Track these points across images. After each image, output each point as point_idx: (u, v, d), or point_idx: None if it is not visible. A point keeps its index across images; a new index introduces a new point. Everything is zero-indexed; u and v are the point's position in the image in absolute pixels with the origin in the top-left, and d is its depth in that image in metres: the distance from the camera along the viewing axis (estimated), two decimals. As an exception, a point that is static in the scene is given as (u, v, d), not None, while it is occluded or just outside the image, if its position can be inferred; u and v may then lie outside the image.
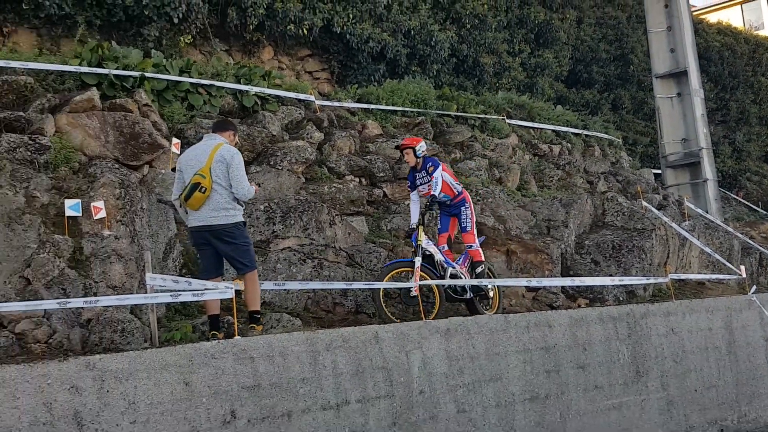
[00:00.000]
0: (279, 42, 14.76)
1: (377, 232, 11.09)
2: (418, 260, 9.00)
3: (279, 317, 7.99)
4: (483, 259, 9.72)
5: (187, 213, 7.56)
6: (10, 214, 7.79)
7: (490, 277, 9.85)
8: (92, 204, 8.26)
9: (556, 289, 11.26)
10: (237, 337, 6.65)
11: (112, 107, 9.70)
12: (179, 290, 6.87)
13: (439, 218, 10.07)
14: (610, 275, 11.68)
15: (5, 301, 7.02)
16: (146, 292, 7.05)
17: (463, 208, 9.81)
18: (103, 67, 10.02)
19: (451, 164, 13.04)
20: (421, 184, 9.68)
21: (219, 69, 11.63)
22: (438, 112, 14.07)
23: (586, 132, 17.28)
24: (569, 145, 16.44)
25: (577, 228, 13.04)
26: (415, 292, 8.79)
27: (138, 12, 11.87)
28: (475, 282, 9.45)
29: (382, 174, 11.96)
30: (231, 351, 6.32)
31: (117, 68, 10.08)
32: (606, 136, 17.96)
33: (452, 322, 8.27)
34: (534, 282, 10.63)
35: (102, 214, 8.26)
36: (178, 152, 9.87)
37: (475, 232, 9.81)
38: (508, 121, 15.34)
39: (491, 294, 9.86)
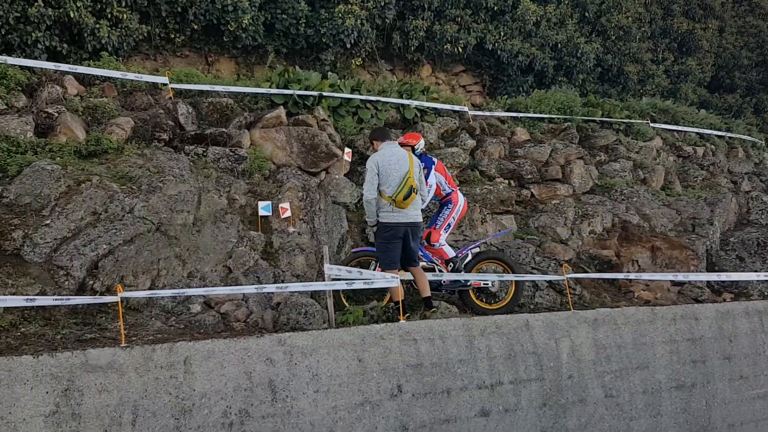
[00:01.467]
0: (436, 60, 14.86)
1: (525, 230, 10.91)
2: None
3: (437, 305, 8.06)
4: (450, 256, 8.48)
5: (392, 211, 7.49)
6: (216, 214, 8.35)
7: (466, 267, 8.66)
8: (280, 205, 8.71)
9: (701, 284, 10.58)
10: (402, 321, 6.76)
11: (295, 123, 10.15)
12: (353, 279, 7.07)
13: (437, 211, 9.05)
14: (755, 271, 10.82)
15: (213, 286, 7.56)
16: (324, 281, 7.32)
17: (444, 208, 8.70)
18: (289, 89, 10.51)
19: (596, 166, 12.58)
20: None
21: (384, 86, 11.87)
22: (583, 118, 13.61)
23: (729, 134, 16.07)
24: (713, 146, 15.35)
25: (721, 225, 12.19)
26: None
27: (317, 40, 12.37)
28: (454, 276, 8.33)
29: (529, 176, 11.73)
30: (397, 333, 6.44)
31: (300, 89, 10.54)
32: (749, 138, 16.61)
33: (600, 312, 7.99)
34: (679, 276, 9.98)
35: (288, 213, 8.68)
36: (350, 160, 10.19)
37: (442, 232, 8.54)
38: (652, 124, 14.58)
39: (493, 289, 8.58)
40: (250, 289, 6.88)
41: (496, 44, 14.81)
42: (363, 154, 10.56)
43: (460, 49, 14.42)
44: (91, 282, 6.87)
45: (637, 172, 13.08)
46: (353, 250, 8.69)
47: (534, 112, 13.33)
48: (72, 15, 9.51)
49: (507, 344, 7.20)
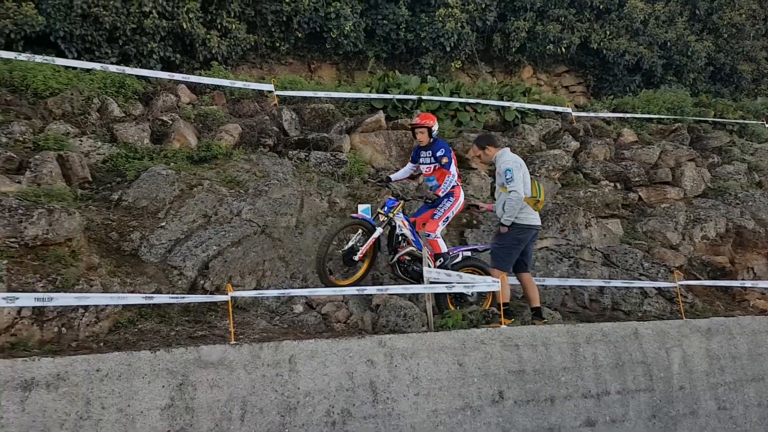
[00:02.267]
0: (538, 61, 14.62)
1: (632, 234, 10.52)
2: (378, 231, 7.59)
3: (541, 309, 7.90)
4: (443, 250, 7.86)
5: (530, 213, 7.37)
6: (317, 216, 8.53)
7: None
8: (378, 209, 8.78)
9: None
10: (503, 326, 6.68)
11: (394, 126, 10.24)
12: (452, 282, 7.05)
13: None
14: None
15: (314, 287, 7.73)
16: (423, 284, 7.33)
17: (446, 200, 8.04)
18: (388, 93, 10.63)
19: (709, 168, 11.99)
20: (423, 162, 8.23)
21: (484, 89, 11.79)
22: (695, 118, 13.02)
23: None
24: (840, 147, 14.33)
25: None
26: (358, 258, 7.57)
27: (417, 44, 12.44)
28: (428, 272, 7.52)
29: (637, 179, 11.33)
30: (498, 338, 6.36)
31: (399, 93, 10.64)
32: None
33: (713, 321, 7.62)
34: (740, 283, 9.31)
35: (394, 217, 8.75)
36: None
37: (441, 224, 7.94)
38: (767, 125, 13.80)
39: (471, 299, 7.99)
40: (351, 290, 6.99)
41: (602, 43, 14.43)
42: (461, 158, 10.52)
43: (563, 50, 14.12)
44: (201, 281, 7.17)
45: (752, 175, 12.38)
46: (352, 215, 7.94)
47: (641, 113, 12.89)
48: (184, 26, 9.99)
49: (614, 353, 6.97)
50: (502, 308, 6.96)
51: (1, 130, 7.80)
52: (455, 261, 7.89)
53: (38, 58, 8.84)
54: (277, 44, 11.55)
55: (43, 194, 6.88)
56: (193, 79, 9.94)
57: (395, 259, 7.75)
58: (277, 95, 10.22)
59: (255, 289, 7.37)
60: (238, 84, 10.12)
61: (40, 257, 6.37)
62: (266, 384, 5.30)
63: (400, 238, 7.78)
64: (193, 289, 7.02)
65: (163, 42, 10.04)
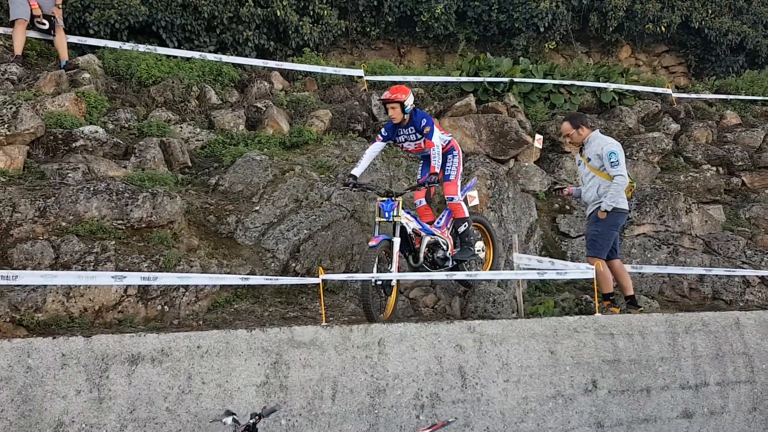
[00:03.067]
0: (636, 41, 14.05)
1: (735, 221, 10.04)
2: (396, 242, 6.63)
3: (636, 298, 7.68)
4: (466, 215, 7.27)
5: (625, 198, 7.09)
6: (405, 201, 8.51)
7: (479, 237, 7.51)
8: (468, 193, 8.72)
9: None
10: (597, 314, 6.53)
11: (485, 110, 10.12)
12: (545, 269, 6.93)
13: (420, 168, 7.77)
14: None
15: (403, 272, 7.78)
16: (513, 270, 7.25)
17: (450, 156, 7.40)
18: (479, 76, 10.50)
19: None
20: (406, 140, 7.36)
21: (579, 70, 11.46)
22: (807, 99, 12.26)
23: None
24: None
25: None
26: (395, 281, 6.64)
27: (509, 25, 12.21)
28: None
29: (740, 163, 10.78)
30: (592, 326, 6.22)
31: (490, 76, 10.50)
32: None
33: (824, 313, 7.18)
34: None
35: (476, 201, 8.65)
36: (541, 147, 9.97)
37: (460, 182, 7.37)
38: None
39: (481, 254, 7.52)
40: (439, 275, 6.99)
41: (703, 22, 13.73)
42: (554, 141, 10.30)
43: (663, 29, 13.52)
44: (293, 264, 7.36)
45: None
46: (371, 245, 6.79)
47: (746, 94, 12.24)
48: (278, 13, 10.19)
49: (714, 343, 6.69)
50: (596, 297, 6.78)
51: (108, 117, 8.23)
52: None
53: (142, 48, 9.24)
54: (368, 29, 11.61)
55: (147, 179, 7.22)
56: (286, 65, 10.14)
57: (422, 259, 6.95)
58: (367, 80, 10.29)
59: (344, 272, 7.50)
60: (329, 70, 10.26)
61: (144, 239, 6.70)
62: (356, 365, 5.40)
63: (413, 235, 6.98)
64: (285, 271, 7.22)
65: (258, 30, 10.28)
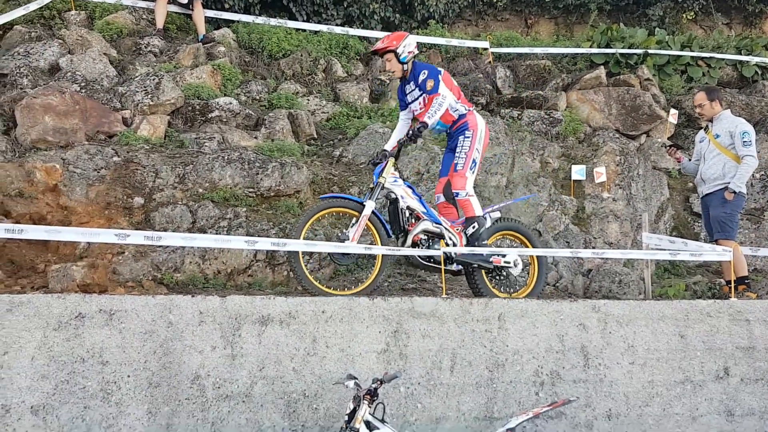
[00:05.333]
0: (784, 9, 13.01)
1: None
2: (369, 205, 5.71)
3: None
4: (476, 213, 6.04)
5: None
6: (528, 177, 8.43)
7: (521, 261, 6.24)
8: (595, 169, 8.47)
9: None
10: (733, 299, 6.18)
11: (616, 83, 9.74)
12: (677, 249, 6.62)
13: (442, 160, 6.52)
14: None
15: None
16: (642, 249, 6.98)
17: (461, 137, 6.06)
18: (611, 48, 10.10)
19: None
20: (412, 101, 6.18)
21: (719, 41, 10.78)
22: None
23: None
24: None
25: None
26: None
27: (646, -6, 11.65)
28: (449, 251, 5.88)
29: None
30: (726, 311, 5.90)
31: (623, 47, 10.08)
32: None
33: None
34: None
35: (603, 178, 8.42)
36: (675, 122, 9.50)
37: (468, 174, 6.03)
38: None
39: (515, 270, 6.16)
40: (564, 252, 6.85)
41: None
42: (690, 116, 9.77)
43: (816, -4, 12.44)
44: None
45: None
46: (322, 196, 6.20)
47: None
48: (405, -15, 10.22)
49: None
50: (733, 282, 6.41)
51: (241, 89, 8.57)
52: (486, 226, 6.16)
53: (273, 22, 9.54)
54: (495, 0, 11.41)
55: (276, 149, 7.49)
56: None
57: (409, 242, 5.92)
58: (492, 52, 10.14)
59: (465, 245, 7.47)
60: (454, 42, 10.18)
61: (272, 207, 6.98)
62: (475, 338, 5.40)
63: (407, 213, 5.99)
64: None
65: (384, 2, 10.34)
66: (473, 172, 6.08)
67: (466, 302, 5.52)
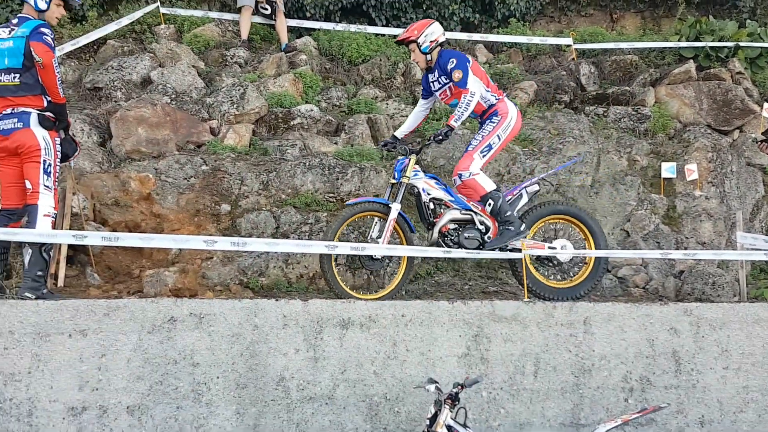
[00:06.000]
0: None
1: None
2: (395, 208, 5.67)
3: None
4: (487, 189, 5.73)
5: None
6: (615, 176, 8.21)
7: (521, 220, 5.85)
8: (686, 167, 8.18)
9: None
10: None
11: (706, 77, 9.36)
12: (769, 249, 6.30)
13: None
14: None
15: (610, 249, 7.49)
16: (737, 250, 6.68)
17: (487, 123, 5.86)
18: (700, 41, 9.71)
19: None
20: (438, 89, 6.00)
21: (819, 31, 10.17)
22: None
23: None
24: None
25: None
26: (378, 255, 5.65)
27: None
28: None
29: None
30: (830, 315, 5.58)
31: (712, 40, 9.67)
32: None
33: None
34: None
35: (694, 175, 8.12)
36: (769, 116, 9.08)
37: (477, 156, 5.77)
38: None
39: (563, 257, 5.94)
40: (653, 254, 6.64)
41: None
42: (789, 112, 9.26)
43: None
44: (495, 238, 7.35)
45: None
46: (352, 202, 6.04)
47: None
48: (484, -15, 10.11)
49: None
50: None
51: (321, 96, 8.73)
52: (520, 205, 5.93)
53: (353, 28, 9.66)
54: (577, -4, 11.16)
55: (355, 154, 7.59)
56: (491, 38, 10.06)
57: (436, 234, 5.81)
58: (576, 49, 9.92)
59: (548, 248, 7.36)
60: (536, 40, 10.03)
61: (353, 211, 7.06)
62: (559, 343, 5.31)
63: (432, 204, 5.87)
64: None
65: (464, 3, 10.28)
66: (484, 156, 5.84)
67: (550, 306, 5.43)
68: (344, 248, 5.61)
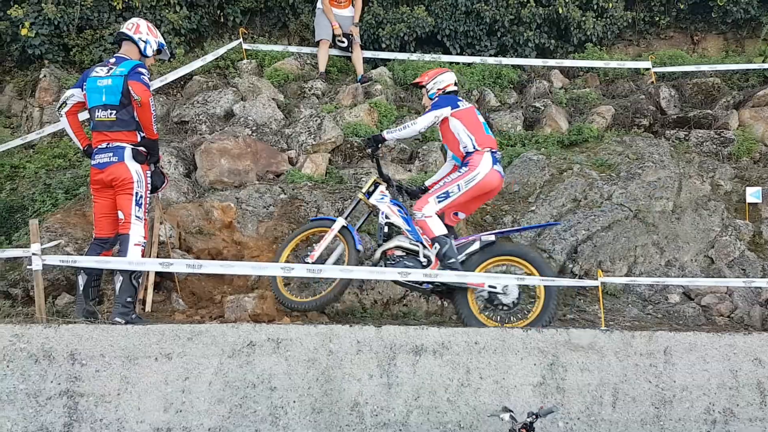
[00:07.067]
0: None
1: None
2: (339, 222, 6.05)
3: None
4: (435, 233, 5.81)
5: None
6: (697, 201, 7.99)
7: (463, 263, 5.83)
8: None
9: None
10: None
11: (795, 98, 9.03)
12: None
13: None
14: None
15: (693, 277, 7.27)
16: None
17: (459, 170, 5.96)
18: (786, 62, 9.43)
19: None
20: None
21: None
22: None
23: None
24: None
25: None
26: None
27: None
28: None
29: None
30: None
31: (800, 59, 9.36)
32: None
33: None
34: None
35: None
36: None
37: (432, 200, 5.88)
38: None
39: (505, 298, 5.80)
40: (736, 282, 6.42)
41: None
42: None
43: None
44: (570, 265, 7.27)
45: None
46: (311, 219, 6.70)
47: None
48: (560, 11, 10.09)
49: None
50: None
51: (396, 125, 8.89)
52: (469, 250, 5.96)
53: (427, 57, 9.82)
54: (657, 18, 10.96)
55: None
56: (567, 63, 10.02)
57: (378, 255, 6.05)
58: (655, 72, 9.75)
59: (626, 275, 7.22)
60: (613, 64, 9.92)
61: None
62: (639, 373, 5.20)
63: (387, 228, 6.12)
64: (561, 272, 7.16)
65: (539, 29, 10.29)
66: (440, 202, 5.92)
67: (628, 335, 5.33)
68: (417, 275, 5.71)
